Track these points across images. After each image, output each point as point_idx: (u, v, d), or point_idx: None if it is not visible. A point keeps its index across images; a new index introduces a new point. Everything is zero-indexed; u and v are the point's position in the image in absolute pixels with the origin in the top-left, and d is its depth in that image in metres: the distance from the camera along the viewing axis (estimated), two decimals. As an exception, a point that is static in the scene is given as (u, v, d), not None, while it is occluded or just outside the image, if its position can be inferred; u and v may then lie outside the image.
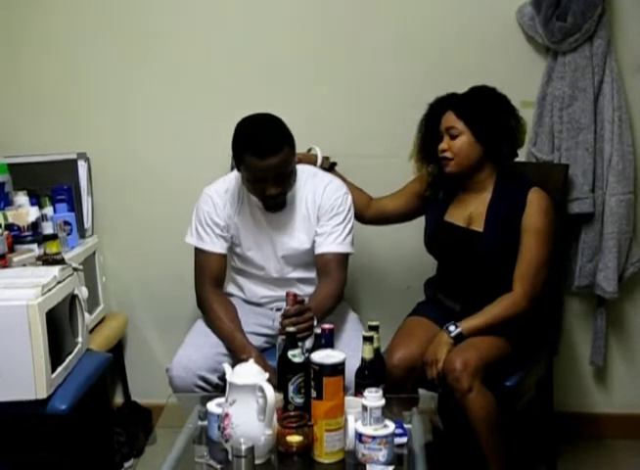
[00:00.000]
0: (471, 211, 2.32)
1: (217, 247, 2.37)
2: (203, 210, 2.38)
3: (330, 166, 2.58)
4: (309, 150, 2.56)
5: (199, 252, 2.38)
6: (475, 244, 2.28)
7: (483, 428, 2.10)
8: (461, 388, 2.08)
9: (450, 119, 2.27)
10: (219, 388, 2.20)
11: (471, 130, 2.25)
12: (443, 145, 2.28)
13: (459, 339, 2.17)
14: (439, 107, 2.33)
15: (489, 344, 2.18)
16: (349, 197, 2.39)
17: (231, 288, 2.52)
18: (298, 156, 2.37)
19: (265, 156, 2.15)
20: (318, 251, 2.34)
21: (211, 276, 2.36)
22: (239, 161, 2.23)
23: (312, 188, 2.37)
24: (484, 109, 2.26)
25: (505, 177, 2.31)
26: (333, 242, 2.33)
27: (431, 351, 2.18)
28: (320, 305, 2.21)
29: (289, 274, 2.41)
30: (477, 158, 2.27)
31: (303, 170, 2.40)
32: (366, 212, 2.51)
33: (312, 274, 2.41)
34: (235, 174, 2.38)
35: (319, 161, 2.54)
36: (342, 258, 2.35)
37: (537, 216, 2.23)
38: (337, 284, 2.31)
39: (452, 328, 2.19)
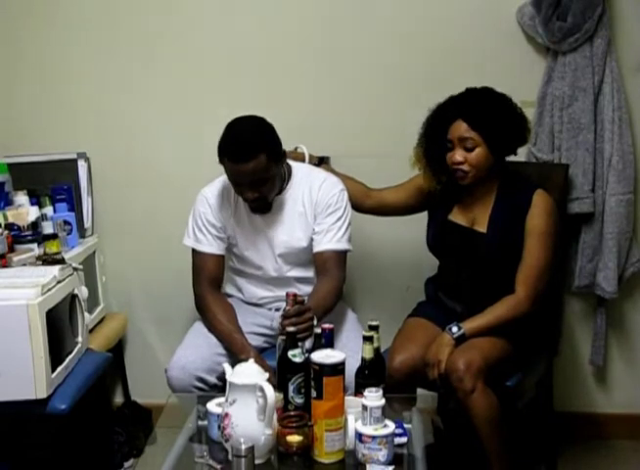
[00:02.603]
0: (475, 213, 2.31)
1: (214, 248, 2.37)
2: (199, 211, 2.38)
3: (319, 162, 2.58)
4: (296, 149, 2.55)
5: (196, 253, 2.38)
6: (477, 244, 2.27)
7: (486, 428, 2.10)
8: (464, 388, 2.08)
9: (463, 130, 2.19)
10: (217, 388, 2.20)
11: (486, 142, 2.19)
12: (458, 158, 2.20)
13: (461, 340, 2.17)
14: (445, 115, 2.25)
15: (491, 344, 2.17)
16: (346, 194, 2.38)
17: (229, 289, 2.52)
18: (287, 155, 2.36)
19: (238, 161, 2.15)
20: (316, 249, 2.34)
21: (209, 277, 2.36)
22: (221, 163, 2.24)
23: (308, 186, 2.36)
24: (499, 119, 2.19)
25: (509, 179, 2.30)
26: (331, 239, 2.33)
27: (432, 351, 2.17)
28: (320, 303, 2.21)
29: (287, 273, 2.40)
30: (490, 167, 2.24)
31: (299, 168, 2.40)
32: (364, 202, 2.49)
33: (310, 273, 2.41)
34: None
35: (307, 158, 2.54)
36: (341, 256, 2.35)
37: (541, 219, 2.22)
38: (336, 282, 2.31)
39: (455, 329, 2.18)
